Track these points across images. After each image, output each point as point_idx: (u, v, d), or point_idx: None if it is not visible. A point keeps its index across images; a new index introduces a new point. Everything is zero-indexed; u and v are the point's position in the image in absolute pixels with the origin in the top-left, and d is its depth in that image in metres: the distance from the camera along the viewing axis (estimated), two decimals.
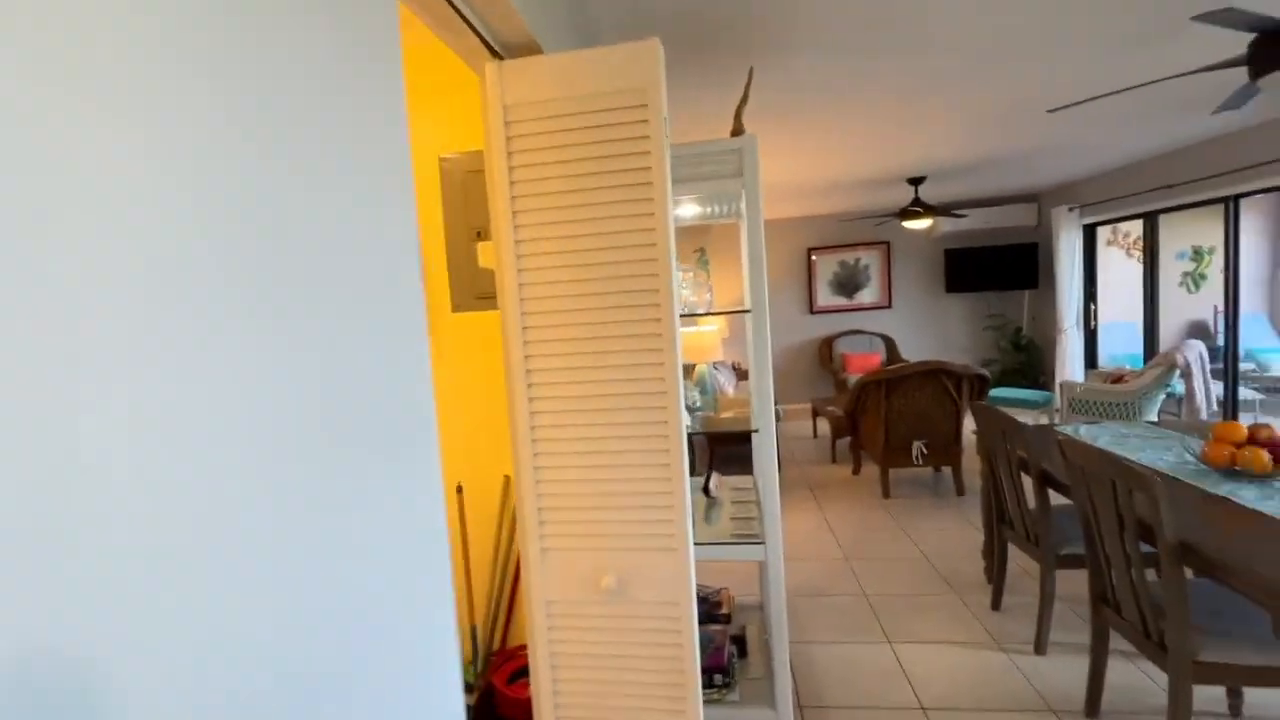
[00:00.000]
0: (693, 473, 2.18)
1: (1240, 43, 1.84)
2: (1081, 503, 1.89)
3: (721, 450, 4.48)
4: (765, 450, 1.92)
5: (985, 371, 4.15)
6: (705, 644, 2.12)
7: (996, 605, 2.72)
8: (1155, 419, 4.62)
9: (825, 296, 7.89)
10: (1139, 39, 2.45)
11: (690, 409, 2.24)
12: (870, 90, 2.95)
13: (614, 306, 1.29)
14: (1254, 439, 1.99)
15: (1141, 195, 5.40)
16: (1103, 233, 6.62)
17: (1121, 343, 6.57)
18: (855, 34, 2.24)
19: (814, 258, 7.81)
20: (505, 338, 1.36)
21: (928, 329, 7.74)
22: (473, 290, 2.15)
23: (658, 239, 1.27)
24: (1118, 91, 2.11)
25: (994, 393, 5.31)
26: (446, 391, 2.18)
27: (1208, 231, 6.63)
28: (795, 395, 7.79)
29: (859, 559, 3.35)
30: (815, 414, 6.06)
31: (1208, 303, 6.77)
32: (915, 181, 5.54)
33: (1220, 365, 4.94)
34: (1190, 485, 1.98)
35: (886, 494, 4.31)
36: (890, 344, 7.53)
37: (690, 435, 1.97)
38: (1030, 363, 7.22)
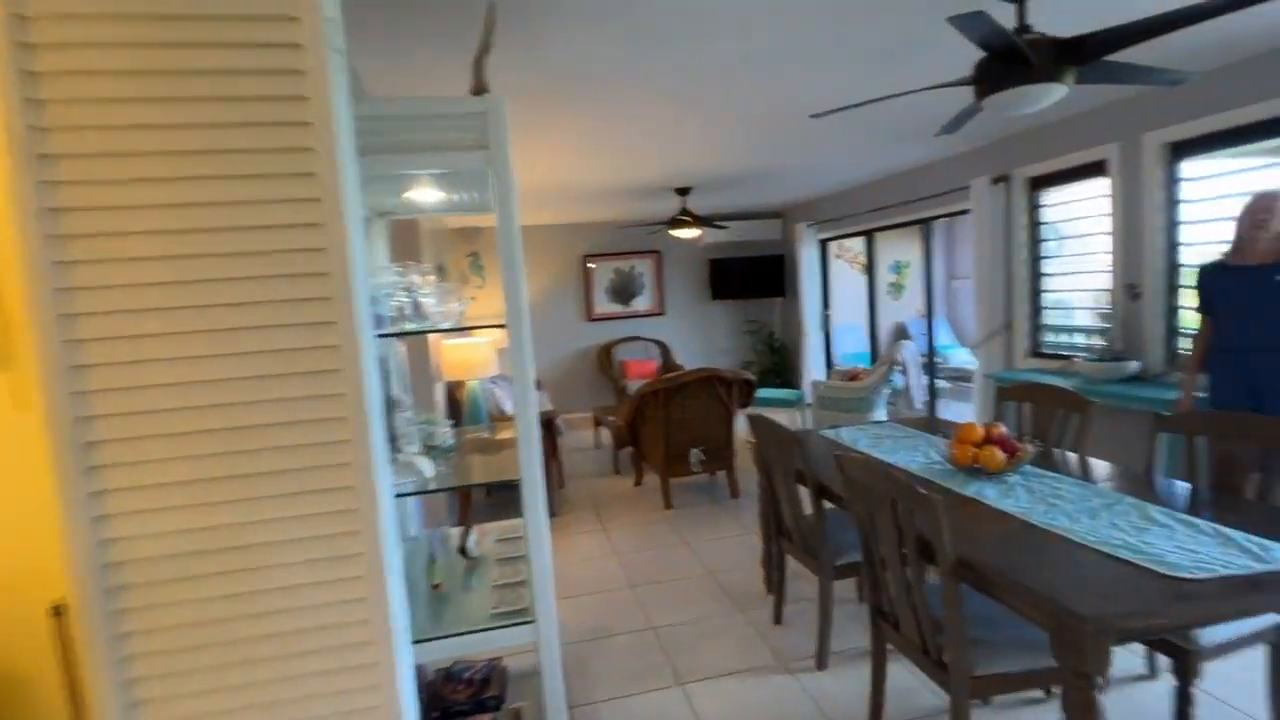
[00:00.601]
0: (452, 522, 1.69)
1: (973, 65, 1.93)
2: (860, 520, 1.82)
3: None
4: (533, 503, 1.50)
5: (752, 376, 4.28)
6: None
7: (779, 619, 2.67)
8: (885, 410, 5.27)
9: (603, 303, 7.81)
10: (885, 54, 2.57)
11: (433, 448, 1.73)
12: (631, 86, 2.73)
13: (247, 327, 0.77)
14: (989, 438, 2.13)
15: (862, 215, 6.20)
16: (833, 247, 7.55)
17: (851, 343, 7.54)
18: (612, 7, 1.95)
19: (591, 265, 7.69)
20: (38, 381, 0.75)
21: (697, 334, 8.10)
22: None
23: (327, 222, 0.78)
24: (871, 101, 2.14)
25: (757, 394, 5.62)
26: None
27: (906, 248, 7.96)
28: (578, 403, 7.57)
29: (645, 584, 3.13)
30: (597, 423, 5.86)
31: (906, 308, 8.13)
32: (683, 192, 5.65)
33: (924, 359, 5.84)
34: (945, 488, 2.04)
35: (668, 504, 4.22)
36: (665, 350, 7.71)
37: (414, 492, 1.48)
38: (782, 363, 7.96)
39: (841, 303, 7.64)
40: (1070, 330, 4.49)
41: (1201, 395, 2.91)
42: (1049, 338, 4.45)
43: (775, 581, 2.71)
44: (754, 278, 7.94)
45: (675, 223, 5.64)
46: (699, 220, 5.61)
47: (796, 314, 7.38)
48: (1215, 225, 3.26)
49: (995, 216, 4.48)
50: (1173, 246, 3.51)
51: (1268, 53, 2.90)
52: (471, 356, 3.84)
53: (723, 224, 6.17)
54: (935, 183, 5.13)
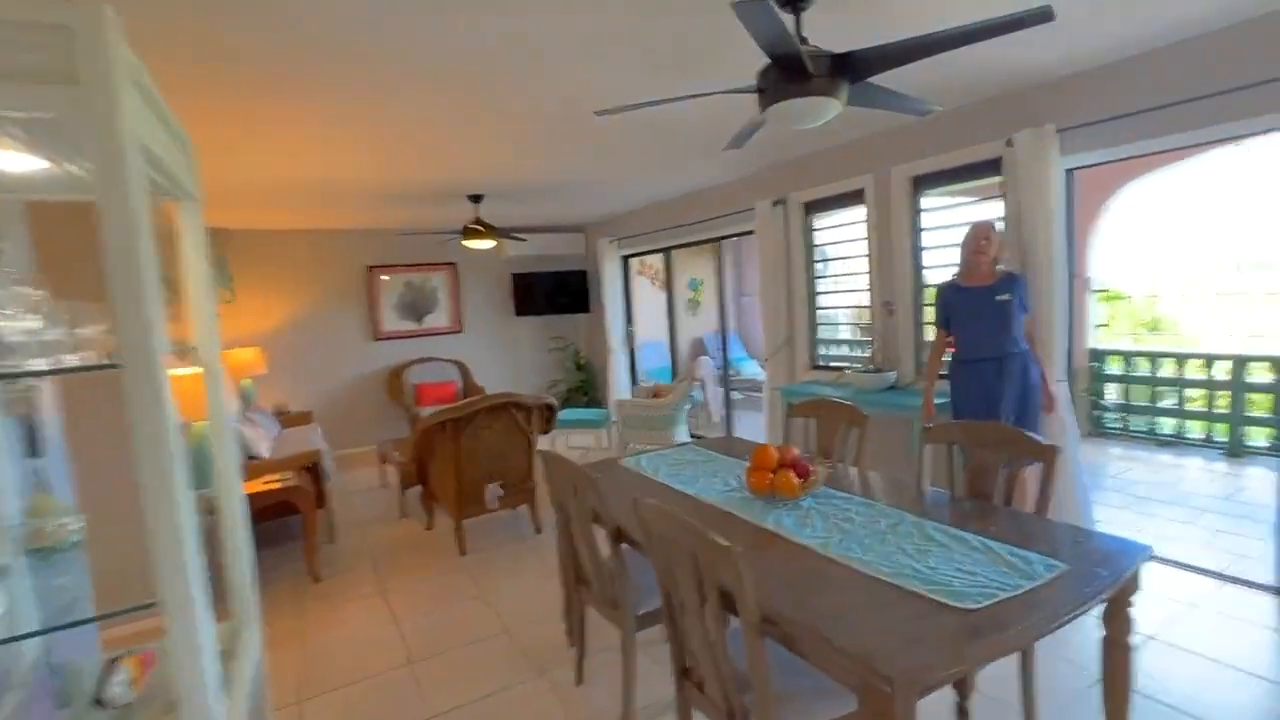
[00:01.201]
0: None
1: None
2: (660, 572, 1.59)
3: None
4: (188, 638, 1.00)
5: (553, 400, 3.99)
6: None
7: (580, 678, 2.38)
8: (687, 426, 5.32)
9: (393, 321, 6.99)
10: (671, 56, 2.44)
11: (45, 550, 1.14)
12: (391, 64, 2.30)
13: None
14: (783, 461, 2.06)
15: (660, 233, 6.29)
16: (634, 263, 7.62)
17: (655, 359, 7.65)
18: None
19: (378, 277, 6.84)
20: None
21: (500, 353, 7.63)
22: None
23: None
24: (656, 102, 1.97)
25: (562, 416, 5.35)
26: None
27: (703, 266, 8.33)
28: (359, 437, 6.65)
29: (428, 658, 2.63)
30: (383, 460, 5.12)
31: (704, 324, 8.51)
32: (476, 199, 5.21)
33: (720, 374, 6.07)
34: (744, 521, 1.92)
35: (463, 550, 3.73)
36: (465, 371, 7.12)
37: None
38: (589, 381, 7.82)
39: (645, 319, 7.73)
40: (842, 343, 4.92)
41: (940, 401, 3.26)
42: (824, 351, 4.81)
43: (577, 633, 2.42)
44: (559, 293, 7.72)
45: (468, 232, 5.17)
46: (494, 231, 5.20)
47: (602, 331, 7.29)
48: (949, 250, 3.72)
49: (776, 237, 4.75)
50: (918, 268, 3.95)
51: (986, 100, 3.36)
52: (192, 390, 3.02)
53: (521, 236, 5.84)
54: (725, 203, 5.34)
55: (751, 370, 7.99)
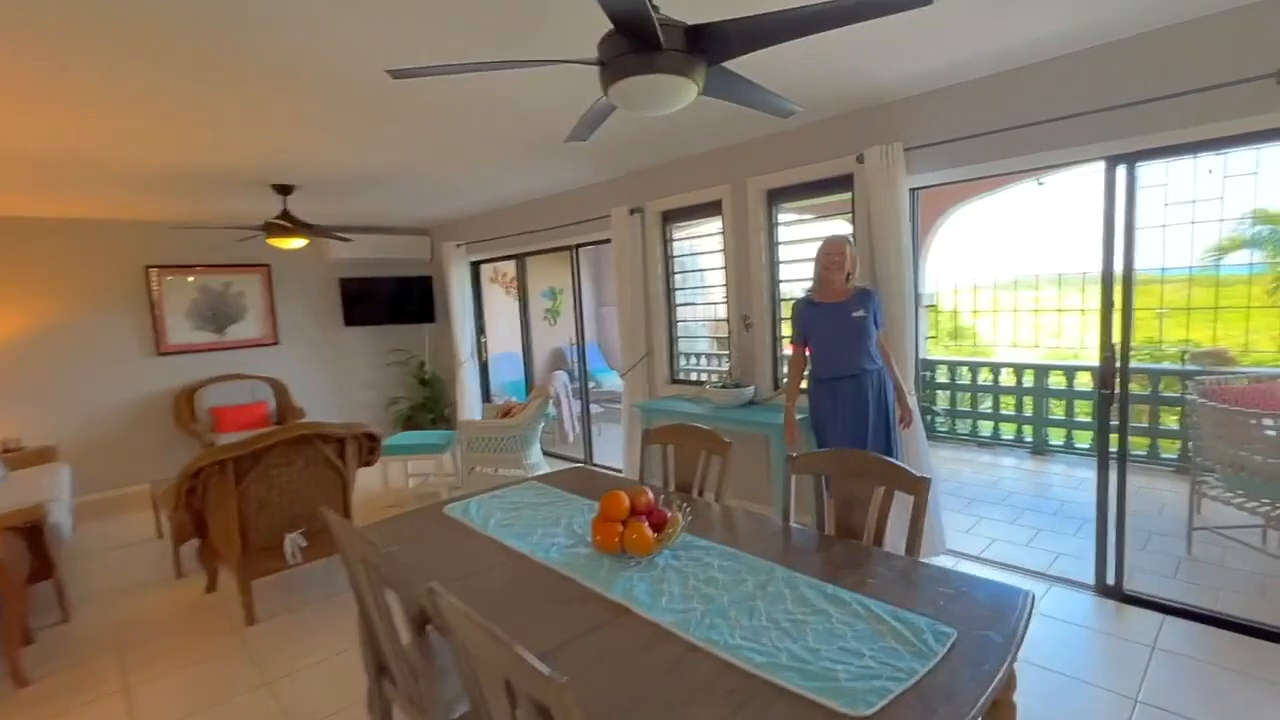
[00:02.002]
0: None
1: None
2: (468, 683, 1.17)
3: None
4: None
5: (373, 429, 3.36)
6: None
7: None
8: (539, 449, 4.88)
9: (183, 332, 5.79)
10: (499, 19, 2.03)
11: None
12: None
13: None
14: (635, 509, 1.72)
15: (513, 238, 5.81)
16: (486, 270, 7.03)
17: (507, 372, 7.11)
18: None
19: (160, 279, 5.62)
20: None
21: (327, 368, 6.66)
22: None
23: None
24: (465, 68, 1.55)
25: (393, 441, 4.67)
26: None
27: (559, 274, 7.93)
28: (134, 474, 5.41)
29: None
30: (157, 505, 4.11)
31: (563, 334, 8.11)
32: (284, 190, 4.40)
33: (577, 386, 5.70)
34: (587, 589, 1.55)
35: (251, 619, 2.99)
36: (281, 390, 6.09)
37: None
38: (435, 397, 7.08)
39: (499, 329, 7.16)
40: (703, 357, 4.77)
41: (800, 417, 3.15)
42: (684, 364, 4.63)
43: None
44: (400, 301, 6.91)
45: (273, 229, 4.35)
46: (308, 228, 4.42)
47: (450, 342, 6.63)
48: (805, 265, 3.66)
49: (634, 246, 4.49)
50: (775, 282, 3.87)
51: (840, 117, 3.32)
52: None
53: (345, 236, 5.06)
54: (581, 209, 5.00)
55: (613, 382, 7.72)
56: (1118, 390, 2.68)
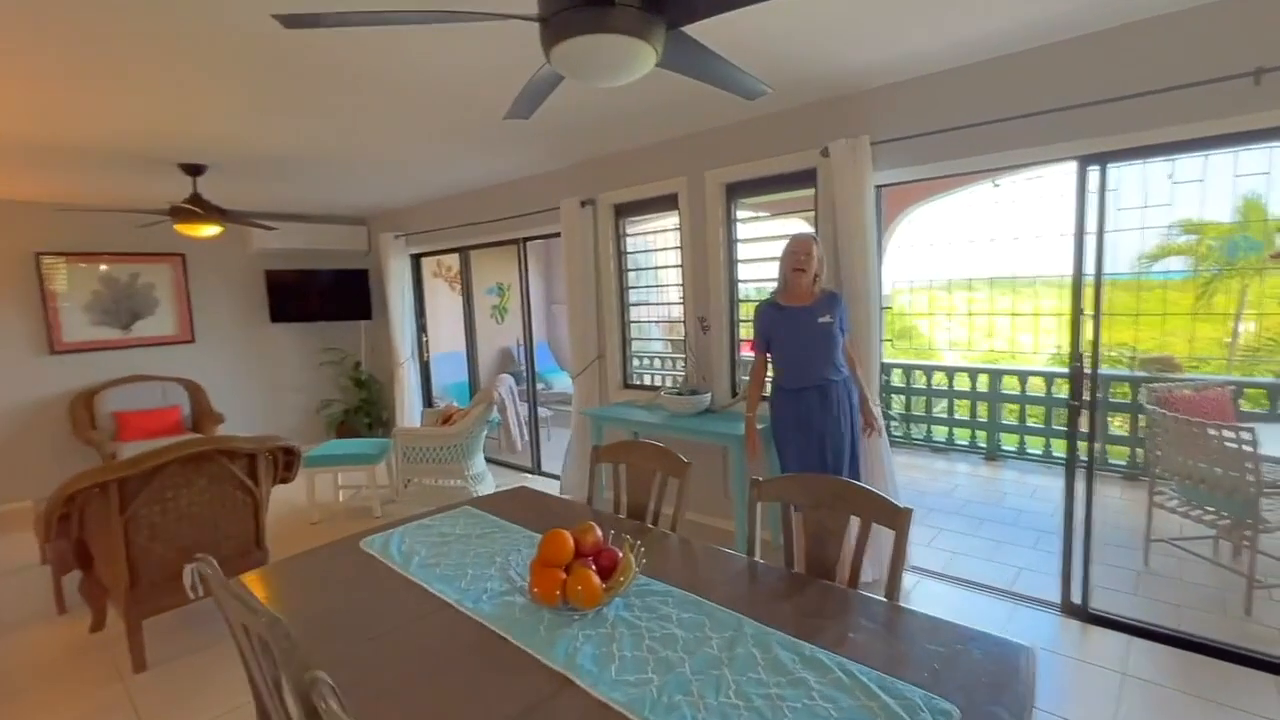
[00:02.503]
0: None
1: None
2: None
3: None
4: None
5: (290, 443, 2.99)
6: None
7: None
8: (482, 459, 4.56)
9: (80, 328, 5.20)
10: None
11: None
12: None
13: None
14: (580, 550, 1.47)
15: (456, 230, 5.44)
16: (429, 264, 6.61)
17: (451, 373, 6.72)
18: None
19: (54, 268, 5.02)
20: None
21: (251, 368, 6.14)
22: None
23: None
24: (372, 16, 1.26)
25: (318, 451, 4.28)
26: None
27: (505, 269, 7.55)
28: (18, 488, 4.82)
29: None
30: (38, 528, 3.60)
31: (510, 333, 7.74)
32: (194, 171, 3.93)
33: (525, 388, 5.39)
34: (522, 653, 1.29)
35: (141, 664, 2.59)
36: (197, 392, 5.55)
37: None
38: (372, 399, 6.63)
39: (443, 327, 6.75)
40: (658, 360, 4.55)
41: (762, 427, 2.96)
42: (638, 367, 4.39)
43: None
44: (332, 295, 6.42)
45: (181, 214, 3.88)
46: (221, 214, 3.97)
47: (388, 341, 6.20)
48: (764, 265, 3.48)
49: (585, 241, 4.22)
50: (733, 282, 3.67)
51: (803, 106, 3.13)
52: None
53: (269, 224, 4.60)
54: (530, 200, 4.69)
55: (564, 383, 7.41)
56: (1086, 397, 2.58)
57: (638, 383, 4.31)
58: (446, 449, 4.22)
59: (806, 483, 1.77)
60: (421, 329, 6.43)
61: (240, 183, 4.44)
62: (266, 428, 6.20)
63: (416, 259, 6.31)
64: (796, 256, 2.74)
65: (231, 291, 5.97)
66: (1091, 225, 2.47)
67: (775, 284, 2.87)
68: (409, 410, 6.07)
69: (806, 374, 2.72)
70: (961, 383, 5.53)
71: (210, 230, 4.02)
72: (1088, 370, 2.55)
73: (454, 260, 6.61)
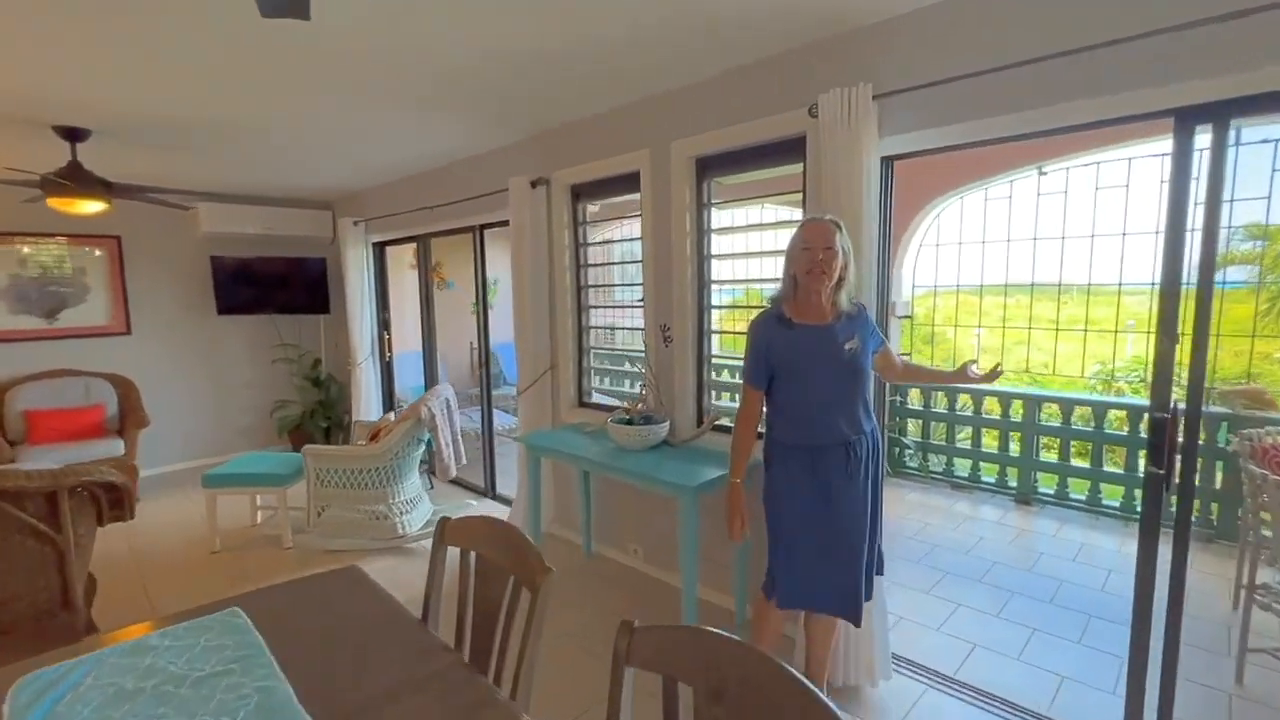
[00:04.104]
0: None
1: None
2: None
3: None
4: None
5: (115, 476, 2.35)
6: None
7: None
8: (419, 482, 3.90)
9: None
10: None
11: None
12: None
13: None
14: None
15: (411, 215, 4.78)
16: (403, 254, 5.97)
17: (414, 375, 6.08)
18: None
19: None
20: None
21: (194, 364, 5.58)
22: None
23: None
24: None
25: (216, 471, 3.65)
26: None
27: (493, 259, 6.86)
28: None
29: None
30: None
31: (498, 333, 7.07)
32: (74, 136, 3.32)
33: (482, 399, 4.72)
34: None
35: None
36: (129, 390, 5.01)
37: None
38: (331, 401, 6.03)
39: (409, 324, 6.12)
40: (623, 375, 3.82)
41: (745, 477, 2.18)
42: (596, 383, 3.68)
43: None
44: (287, 286, 5.84)
45: (52, 187, 3.28)
46: (106, 188, 3.36)
47: (348, 336, 5.59)
48: (740, 261, 2.74)
49: (535, 228, 3.51)
50: (703, 284, 2.92)
51: (792, 51, 2.37)
52: None
53: (181, 204, 4.00)
54: (480, 181, 4.01)
55: None
56: (1180, 457, 1.77)
57: (595, 402, 3.60)
58: (366, 472, 3.56)
59: (708, 644, 1.02)
60: (384, 325, 5.81)
61: (162, 155, 3.82)
62: (212, 430, 5.66)
63: (381, 248, 5.68)
64: (813, 252, 1.84)
65: (175, 279, 5.41)
66: (1191, 210, 1.68)
67: (780, 289, 2.00)
68: (366, 416, 5.45)
69: (827, 427, 1.87)
70: (991, 408, 4.69)
71: (93, 207, 3.41)
72: (1177, 402, 1.75)
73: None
